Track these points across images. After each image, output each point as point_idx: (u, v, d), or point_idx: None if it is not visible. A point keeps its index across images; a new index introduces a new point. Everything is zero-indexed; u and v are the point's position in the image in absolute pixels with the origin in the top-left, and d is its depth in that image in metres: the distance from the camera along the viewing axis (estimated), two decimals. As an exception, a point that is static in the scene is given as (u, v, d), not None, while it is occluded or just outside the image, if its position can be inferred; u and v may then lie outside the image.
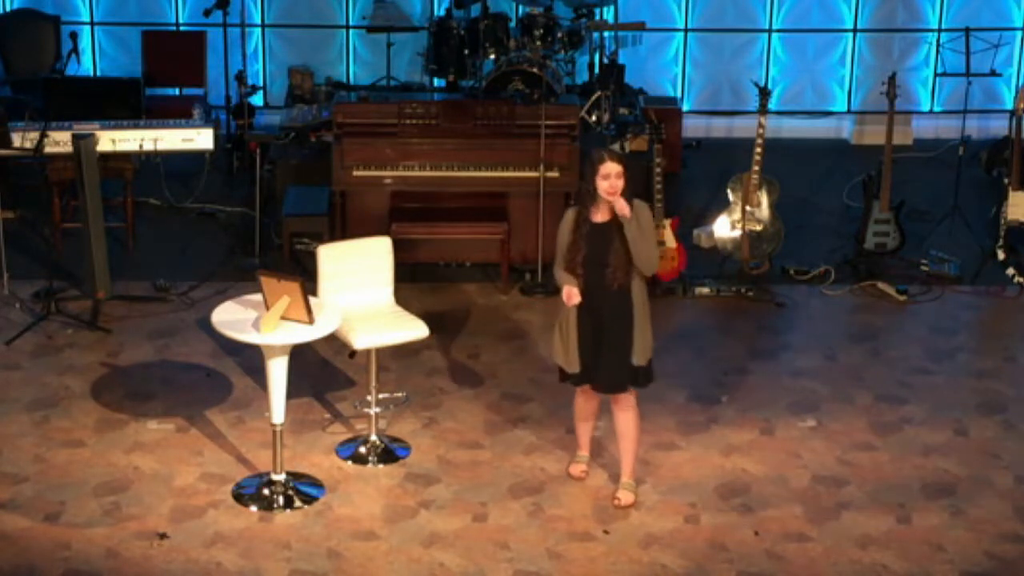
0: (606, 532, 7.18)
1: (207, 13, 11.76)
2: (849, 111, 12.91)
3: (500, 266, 9.84)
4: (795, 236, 10.37)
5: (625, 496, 7.45)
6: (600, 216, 7.13)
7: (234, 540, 7.06)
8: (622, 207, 6.99)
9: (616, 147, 10.75)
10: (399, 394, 8.28)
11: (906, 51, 12.74)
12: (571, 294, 7.10)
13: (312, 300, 7.19)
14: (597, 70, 11.82)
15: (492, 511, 7.35)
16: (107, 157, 9.60)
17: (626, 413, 7.35)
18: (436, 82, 12.29)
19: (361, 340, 7.58)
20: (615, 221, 7.09)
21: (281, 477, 7.41)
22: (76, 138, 9.13)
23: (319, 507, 7.35)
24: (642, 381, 7.32)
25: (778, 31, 12.73)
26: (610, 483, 7.58)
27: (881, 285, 9.94)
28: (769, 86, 11.28)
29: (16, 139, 9.25)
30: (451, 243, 9.95)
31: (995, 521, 7.35)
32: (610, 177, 7.00)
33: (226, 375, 8.63)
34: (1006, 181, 10.03)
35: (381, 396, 7.92)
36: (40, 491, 7.41)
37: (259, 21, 12.63)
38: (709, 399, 8.47)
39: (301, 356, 8.04)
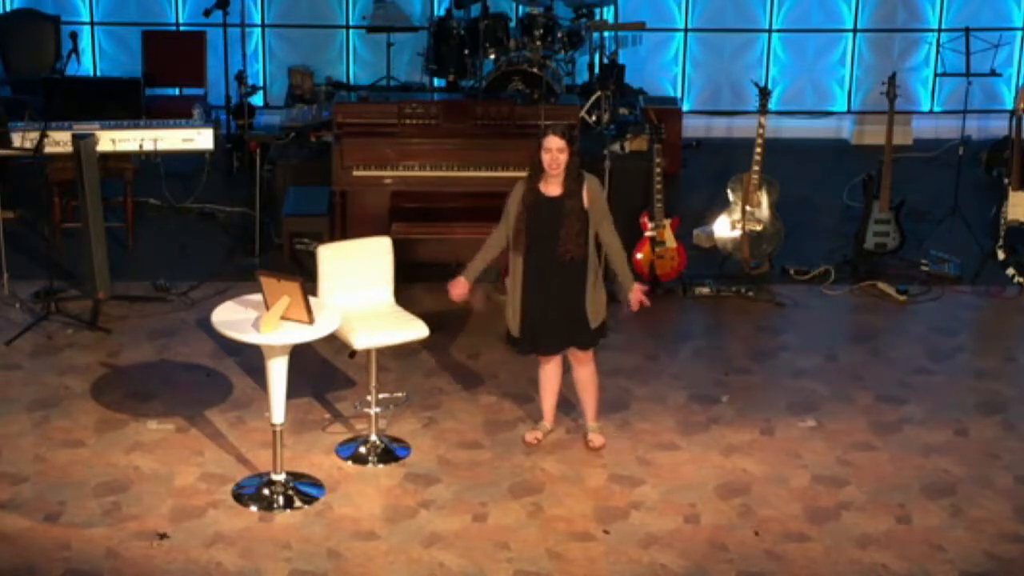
0: (606, 532, 7.18)
1: (207, 13, 11.75)
2: (849, 111, 12.91)
3: (500, 266, 9.82)
4: (795, 236, 10.37)
5: (596, 438, 7.87)
6: (552, 190, 7.32)
7: (234, 540, 7.05)
8: (636, 298, 7.52)
9: (616, 147, 10.74)
10: (399, 394, 8.28)
11: (906, 51, 12.73)
12: (456, 285, 7.60)
13: (312, 300, 7.18)
14: (597, 70, 11.81)
15: (492, 511, 7.35)
16: (107, 157, 9.60)
17: (586, 368, 7.74)
18: (436, 82, 12.28)
19: (361, 340, 7.58)
20: (566, 196, 7.32)
21: (281, 477, 7.41)
22: (76, 138, 9.13)
23: (319, 507, 7.35)
24: (595, 341, 7.66)
25: (778, 31, 12.72)
26: (610, 483, 7.58)
27: (881, 285, 9.93)
28: (769, 86, 11.28)
29: (16, 139, 9.24)
30: (451, 243, 9.92)
31: (995, 521, 7.34)
32: (551, 151, 7.24)
33: (226, 375, 8.62)
34: (1006, 181, 10.03)
35: (381, 396, 7.92)
36: (40, 491, 7.41)
37: (259, 21, 12.63)
38: (709, 399, 8.47)
39: (301, 356, 8.03)
